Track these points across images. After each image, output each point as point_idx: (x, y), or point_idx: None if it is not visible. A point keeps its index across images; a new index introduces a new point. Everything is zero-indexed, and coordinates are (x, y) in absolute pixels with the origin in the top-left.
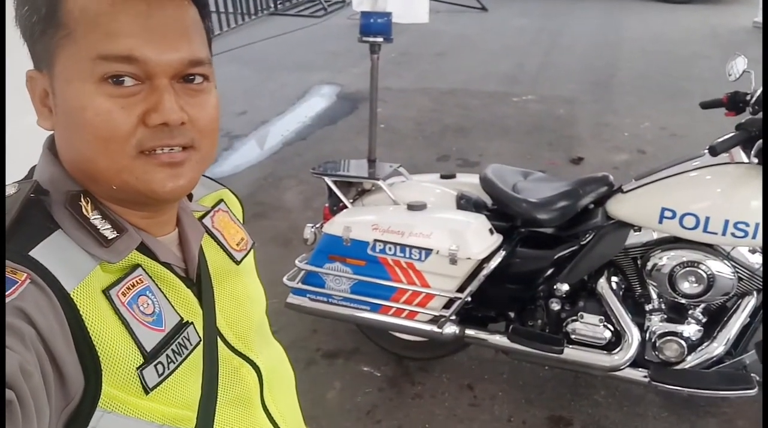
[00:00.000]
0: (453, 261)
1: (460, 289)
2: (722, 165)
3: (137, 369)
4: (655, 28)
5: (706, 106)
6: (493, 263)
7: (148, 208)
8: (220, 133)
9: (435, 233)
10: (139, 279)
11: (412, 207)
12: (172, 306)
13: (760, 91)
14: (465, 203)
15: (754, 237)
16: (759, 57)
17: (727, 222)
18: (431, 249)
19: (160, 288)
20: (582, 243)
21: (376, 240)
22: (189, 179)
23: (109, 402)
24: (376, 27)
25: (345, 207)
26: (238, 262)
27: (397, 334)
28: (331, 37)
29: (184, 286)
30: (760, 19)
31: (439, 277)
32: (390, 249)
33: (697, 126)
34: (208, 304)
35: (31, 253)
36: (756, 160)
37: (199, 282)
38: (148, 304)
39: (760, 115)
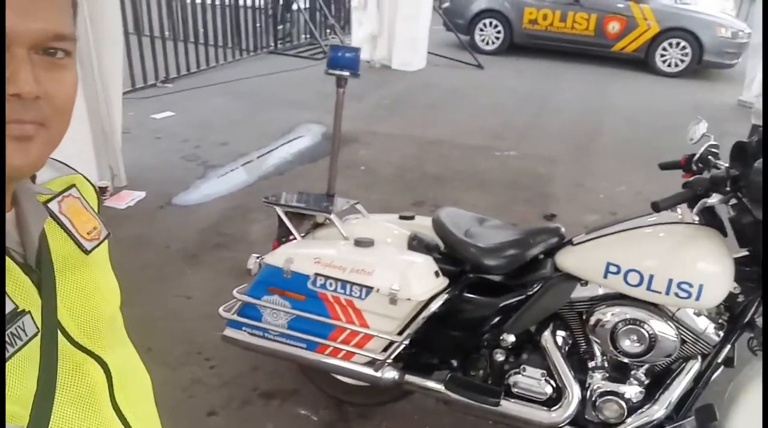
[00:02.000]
0: (393, 301)
1: (401, 332)
2: (672, 224)
3: None
4: (641, 99)
5: (664, 166)
6: (434, 306)
7: None
8: (197, 161)
9: (377, 271)
10: None
11: (359, 243)
12: (6, 293)
13: (703, 149)
14: (416, 244)
15: (698, 298)
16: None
17: (670, 281)
18: (372, 288)
19: None
20: (529, 293)
21: (317, 274)
22: (38, 156)
23: None
24: (343, 61)
25: (295, 239)
26: (87, 252)
27: (338, 377)
28: (328, 79)
29: (22, 272)
30: (744, 97)
31: (378, 317)
32: (331, 284)
33: (671, 192)
34: (48, 293)
35: None
36: (697, 218)
37: (39, 269)
38: None
39: (705, 175)
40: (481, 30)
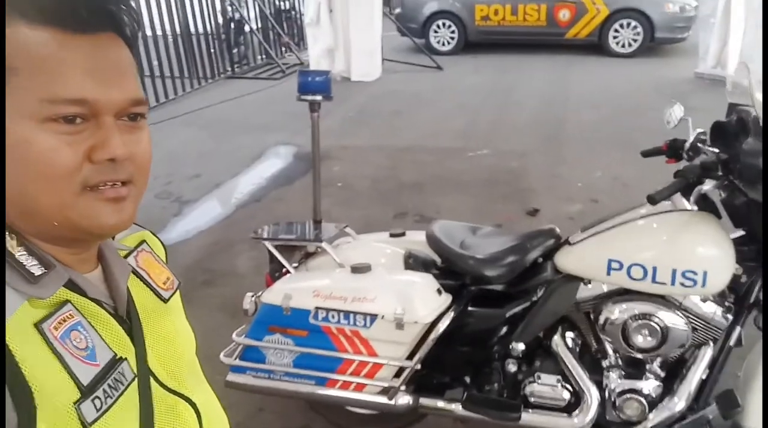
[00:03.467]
0: (399, 325)
1: (410, 356)
2: (666, 213)
3: (74, 404)
4: (600, 82)
5: (647, 154)
6: (442, 325)
7: (79, 244)
8: (170, 198)
9: (379, 297)
10: (70, 315)
11: (355, 269)
12: (105, 342)
13: (693, 137)
14: (413, 262)
15: (703, 285)
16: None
17: (674, 271)
18: (376, 315)
19: (91, 324)
20: (533, 299)
21: (317, 308)
22: (130, 214)
23: None
24: (314, 85)
25: (288, 272)
26: (165, 300)
27: (350, 407)
28: (290, 98)
29: (116, 323)
30: (701, 69)
31: (386, 344)
32: (333, 316)
33: (648, 175)
34: (139, 341)
35: None
36: (696, 207)
37: (130, 320)
38: (80, 339)
39: (696, 162)
40: (436, 32)
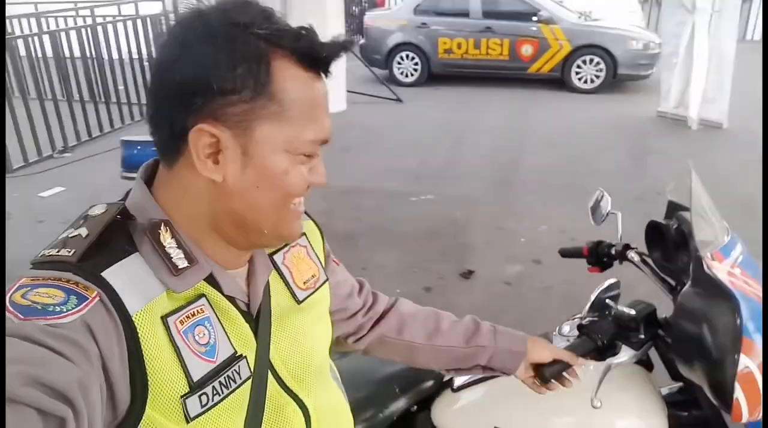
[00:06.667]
0: None
1: None
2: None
3: (181, 397)
4: (561, 119)
5: (566, 254)
6: None
7: (257, 247)
8: None
9: None
10: (200, 309)
11: None
12: (228, 339)
13: (598, 291)
14: None
15: None
16: (662, 148)
17: None
18: None
19: (219, 320)
20: None
21: None
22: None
23: (150, 424)
24: (139, 158)
25: None
26: (299, 302)
27: None
28: None
29: (243, 320)
30: (663, 108)
31: None
32: None
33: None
34: (263, 339)
35: (103, 273)
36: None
37: (258, 318)
38: (204, 334)
39: (609, 323)
40: (399, 63)
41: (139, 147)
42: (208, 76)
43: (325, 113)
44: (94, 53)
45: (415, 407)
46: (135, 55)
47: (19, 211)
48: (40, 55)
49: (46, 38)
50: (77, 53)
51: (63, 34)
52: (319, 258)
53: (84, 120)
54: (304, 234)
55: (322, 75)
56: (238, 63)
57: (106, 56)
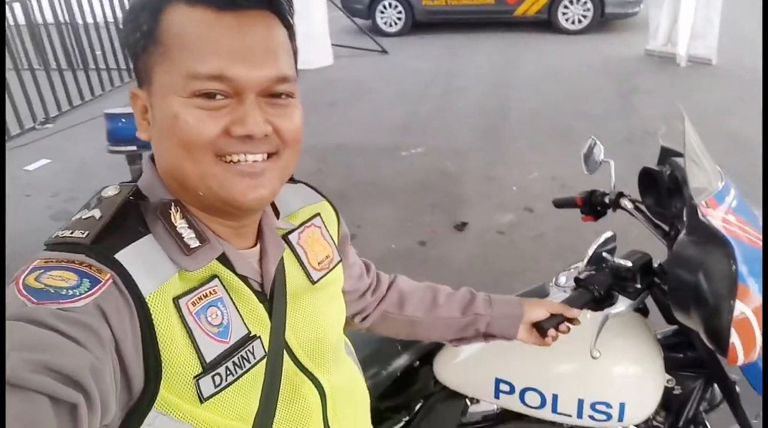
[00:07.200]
0: None
1: None
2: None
3: (194, 378)
4: (549, 62)
5: (559, 204)
6: None
7: (232, 217)
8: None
9: None
10: (213, 290)
11: None
12: (242, 319)
13: (595, 246)
14: None
15: (620, 419)
16: (650, 87)
17: (581, 401)
18: None
19: (232, 300)
20: (406, 419)
21: None
22: (270, 190)
23: (164, 405)
24: (125, 131)
25: None
26: (314, 282)
27: None
28: None
29: (257, 300)
30: (651, 47)
31: None
32: None
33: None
34: (278, 319)
35: (116, 255)
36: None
37: (272, 298)
38: (216, 315)
39: (605, 274)
40: (382, 12)
41: (123, 119)
42: (126, 40)
43: (217, 45)
44: (68, 18)
45: (417, 362)
46: (110, 19)
47: (6, 187)
48: (12, 23)
49: (17, 6)
50: (50, 19)
51: (34, 0)
52: (333, 240)
53: (63, 89)
54: (319, 214)
55: (257, 11)
56: (143, 21)
57: (80, 21)
